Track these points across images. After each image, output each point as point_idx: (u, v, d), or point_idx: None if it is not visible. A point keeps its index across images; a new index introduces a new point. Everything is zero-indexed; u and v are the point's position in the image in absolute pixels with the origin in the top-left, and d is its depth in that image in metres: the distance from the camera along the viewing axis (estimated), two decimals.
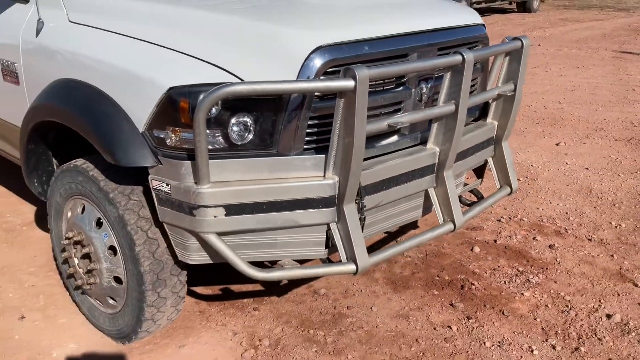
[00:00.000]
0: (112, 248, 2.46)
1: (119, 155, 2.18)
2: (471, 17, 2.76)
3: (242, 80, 2.09)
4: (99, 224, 2.49)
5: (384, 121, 2.19)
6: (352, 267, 2.23)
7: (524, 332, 2.75)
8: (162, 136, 2.16)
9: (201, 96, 1.99)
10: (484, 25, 2.83)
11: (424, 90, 2.50)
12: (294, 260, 2.35)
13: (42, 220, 3.90)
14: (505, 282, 3.14)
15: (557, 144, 5.44)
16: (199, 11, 2.33)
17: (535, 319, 2.84)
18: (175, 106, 2.10)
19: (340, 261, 2.26)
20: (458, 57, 2.30)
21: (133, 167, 2.21)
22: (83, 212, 2.55)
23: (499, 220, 3.83)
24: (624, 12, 18.79)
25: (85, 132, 2.30)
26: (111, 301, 2.60)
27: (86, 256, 2.59)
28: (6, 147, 3.34)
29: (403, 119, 2.24)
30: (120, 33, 2.36)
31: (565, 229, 3.75)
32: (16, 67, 2.83)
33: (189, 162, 2.12)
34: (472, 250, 3.46)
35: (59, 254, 2.82)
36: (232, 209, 2.14)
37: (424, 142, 2.55)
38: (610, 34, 13.29)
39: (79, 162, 2.51)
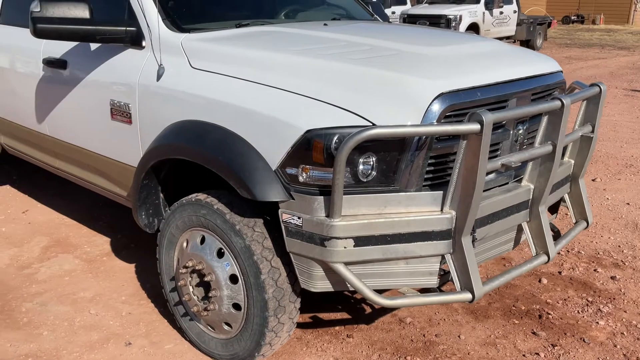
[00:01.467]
0: (232, 277, 2.64)
1: (255, 191, 2.38)
2: (554, 65, 3.01)
3: (372, 123, 2.30)
4: (220, 253, 2.67)
5: (498, 161, 2.40)
6: (468, 295, 2.41)
7: (608, 358, 2.92)
8: (295, 173, 2.36)
9: (335, 138, 2.22)
10: (562, 71, 3.08)
11: (520, 132, 2.72)
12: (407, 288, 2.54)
13: (120, 251, 4.07)
14: (578, 312, 3.32)
15: (593, 180, 5.67)
16: (330, 62, 2.55)
17: (615, 346, 3.02)
18: (310, 147, 2.31)
19: (455, 290, 2.44)
20: (557, 103, 2.53)
21: (260, 202, 2.40)
22: (202, 242, 2.73)
23: (559, 253, 4.02)
24: (625, 51, 19.32)
25: (220, 169, 2.50)
26: (226, 327, 2.76)
27: (203, 284, 2.77)
28: (101, 182, 3.53)
29: (513, 158, 2.45)
30: (249, 80, 2.58)
31: (622, 261, 3.95)
32: (130, 108, 3.04)
33: (321, 197, 2.32)
34: (540, 281, 3.64)
35: (167, 282, 2.99)
36: (360, 241, 2.33)
37: (516, 179, 2.76)
38: (617, 72, 13.70)
39: (201, 196, 2.70)
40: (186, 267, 2.77)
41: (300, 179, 2.35)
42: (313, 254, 2.37)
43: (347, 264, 2.35)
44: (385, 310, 3.30)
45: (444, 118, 2.37)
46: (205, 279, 2.71)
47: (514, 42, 18.98)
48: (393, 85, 2.38)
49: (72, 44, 3.46)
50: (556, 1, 33.98)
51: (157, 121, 2.90)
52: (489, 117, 2.19)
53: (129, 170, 3.19)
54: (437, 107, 2.34)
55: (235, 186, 2.45)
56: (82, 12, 3.01)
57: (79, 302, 3.43)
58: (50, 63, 3.59)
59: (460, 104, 2.40)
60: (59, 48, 3.56)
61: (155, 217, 3.14)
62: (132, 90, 3.02)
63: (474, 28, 16.80)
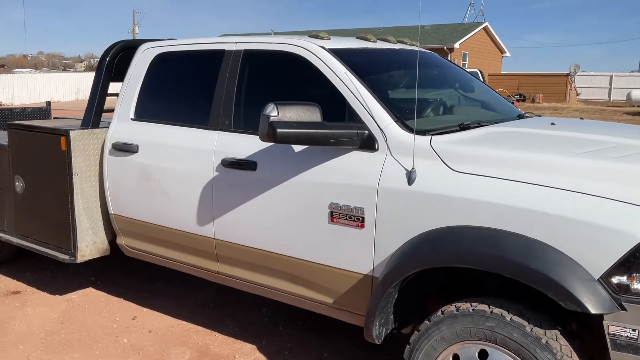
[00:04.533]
0: None
1: (584, 302, 2.27)
2: None
3: None
4: None
5: None
6: None
7: None
8: (625, 283, 2.28)
9: None
10: None
11: None
12: None
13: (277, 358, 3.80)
14: None
15: None
16: (635, 165, 2.53)
17: None
18: None
19: None
20: None
21: (560, 312, 2.30)
22: (484, 357, 2.56)
23: None
24: None
25: (531, 279, 2.38)
26: None
27: None
28: (292, 288, 3.32)
29: None
30: (541, 184, 2.51)
31: None
32: (364, 212, 2.90)
33: None
34: None
35: None
36: None
37: None
38: None
39: (482, 306, 2.56)
40: None
41: (632, 288, 2.27)
42: None
43: None
44: None
45: None
46: None
47: None
48: None
49: (259, 145, 3.33)
50: (497, 81, 35.90)
51: (406, 226, 2.77)
52: None
53: (347, 276, 3.03)
54: None
55: (556, 297, 2.33)
56: (315, 115, 2.91)
57: None
58: (233, 164, 3.42)
59: None
60: (241, 149, 3.41)
61: (384, 327, 2.96)
62: (369, 193, 2.89)
63: None
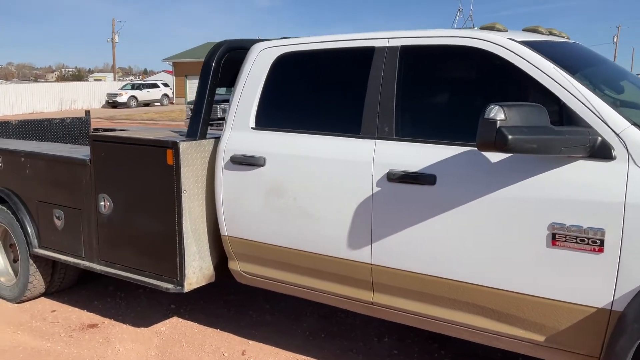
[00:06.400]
0: None
1: None
2: None
3: None
4: None
5: None
6: None
7: None
8: None
9: None
10: None
11: None
12: None
13: None
14: None
15: None
16: None
17: None
18: None
19: None
20: None
21: None
22: None
23: None
24: None
25: None
26: None
27: None
28: (480, 322, 2.84)
29: None
30: None
31: None
32: (604, 234, 2.44)
33: None
34: None
35: None
36: None
37: None
38: None
39: None
40: None
41: None
42: None
43: None
44: None
45: None
46: None
47: None
48: None
49: (435, 154, 2.86)
50: None
51: None
52: None
53: (571, 310, 2.57)
54: None
55: None
56: (542, 118, 2.44)
57: None
58: (403, 178, 2.93)
59: None
60: (411, 160, 2.94)
61: None
62: (612, 211, 2.42)
63: None
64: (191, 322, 4.43)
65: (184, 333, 4.25)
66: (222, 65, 3.86)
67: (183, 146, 3.59)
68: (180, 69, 41.34)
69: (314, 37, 3.52)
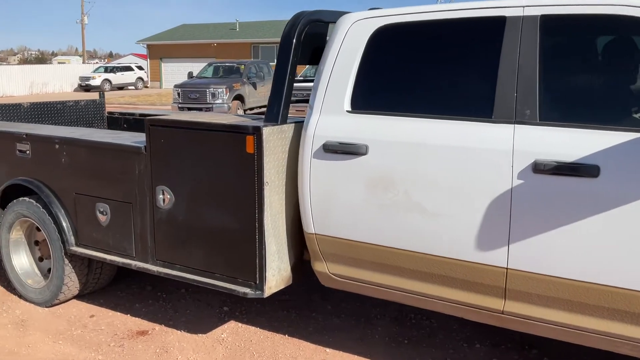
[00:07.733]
0: None
1: None
2: None
3: None
4: None
5: None
6: None
7: None
8: None
9: None
10: None
11: None
12: None
13: None
14: None
15: None
16: None
17: None
18: None
19: None
20: None
21: None
22: None
23: None
24: None
25: None
26: None
27: None
28: None
29: None
30: None
31: None
32: None
33: None
34: None
35: None
36: None
37: None
38: None
39: None
40: None
41: None
42: None
43: None
44: None
45: None
46: None
47: None
48: None
49: (596, 142, 2.47)
50: None
51: None
52: None
53: None
54: None
55: None
56: None
57: None
58: (558, 169, 2.52)
59: None
60: (564, 148, 2.54)
61: None
62: None
63: None
64: (253, 328, 3.98)
65: (249, 340, 3.80)
66: (302, 40, 3.39)
67: (266, 132, 3.13)
68: (155, 52, 40.04)
69: (419, 7, 3.08)
